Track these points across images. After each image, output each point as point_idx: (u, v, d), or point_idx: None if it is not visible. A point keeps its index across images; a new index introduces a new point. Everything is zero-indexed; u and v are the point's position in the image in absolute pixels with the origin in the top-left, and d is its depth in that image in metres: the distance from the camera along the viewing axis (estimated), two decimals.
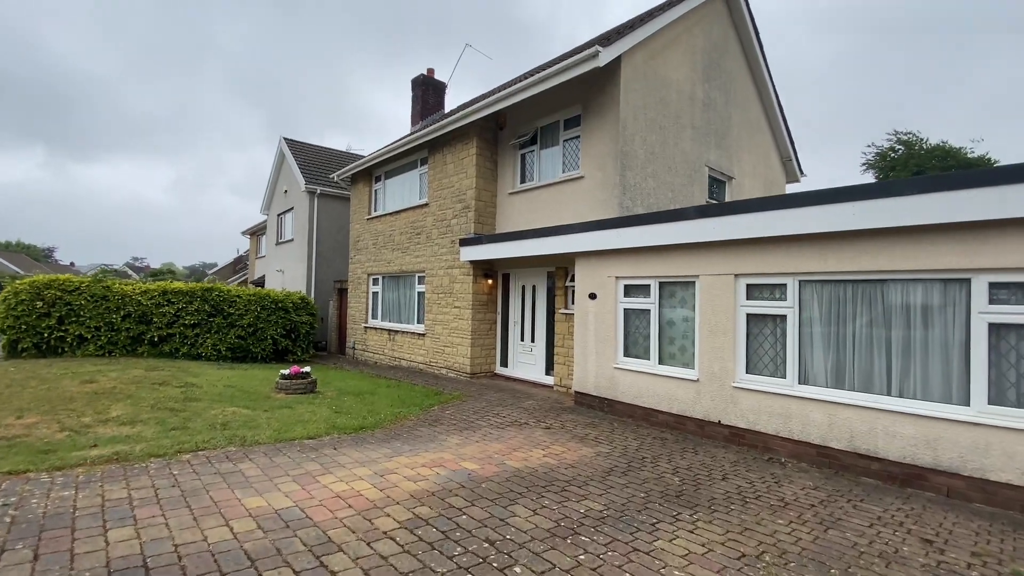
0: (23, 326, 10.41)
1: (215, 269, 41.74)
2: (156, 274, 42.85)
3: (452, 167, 11.07)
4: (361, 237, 14.44)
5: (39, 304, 10.54)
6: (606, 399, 7.46)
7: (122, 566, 2.75)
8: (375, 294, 13.97)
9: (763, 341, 5.87)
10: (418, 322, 12.14)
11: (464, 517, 3.57)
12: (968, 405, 4.46)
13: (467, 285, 10.45)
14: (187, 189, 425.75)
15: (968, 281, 4.51)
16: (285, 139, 18.96)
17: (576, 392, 7.95)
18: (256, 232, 25.91)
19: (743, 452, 5.64)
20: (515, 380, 10.17)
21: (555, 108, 9.37)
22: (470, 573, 2.84)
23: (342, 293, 16.47)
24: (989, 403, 4.35)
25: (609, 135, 8.41)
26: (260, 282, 22.18)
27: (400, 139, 12.81)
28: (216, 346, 11.84)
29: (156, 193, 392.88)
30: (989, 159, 22.66)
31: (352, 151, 21.52)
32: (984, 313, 4.40)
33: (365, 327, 14.10)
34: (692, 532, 3.51)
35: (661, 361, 6.88)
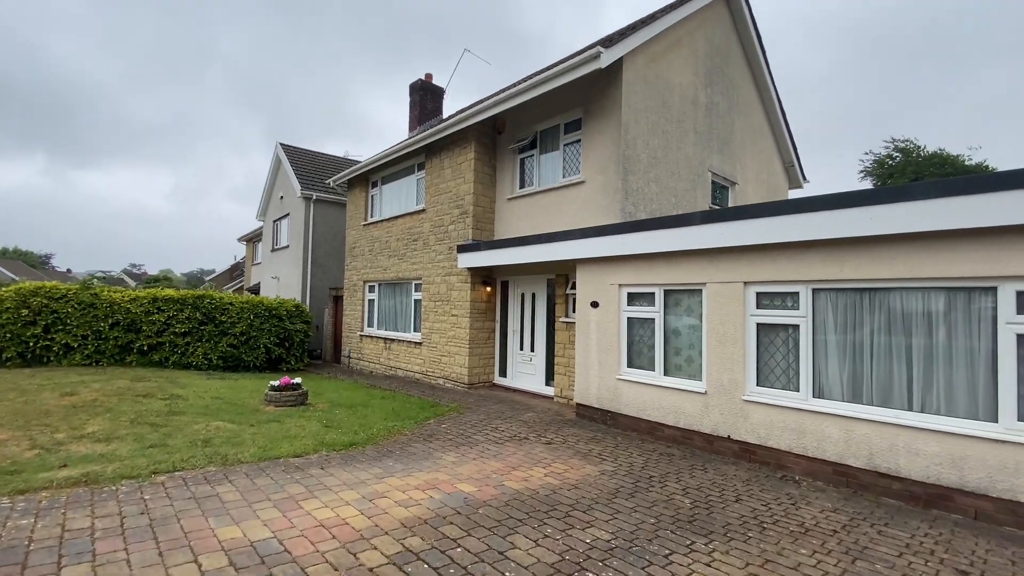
0: (7, 335, 10.11)
1: (212, 276, 41.45)
2: (152, 281, 42.52)
3: (450, 172, 10.83)
4: (357, 243, 14.17)
5: (24, 312, 10.24)
6: (609, 411, 7.16)
7: None
8: (371, 301, 13.67)
9: (774, 352, 5.59)
10: (415, 330, 11.84)
11: (459, 550, 3.27)
12: (996, 421, 4.18)
13: (465, 293, 10.16)
14: (186, 196, 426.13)
15: (994, 289, 4.25)
16: (281, 144, 18.76)
17: (578, 404, 7.65)
18: (252, 239, 25.64)
19: (755, 469, 5.34)
20: (514, 391, 9.86)
21: (555, 111, 9.14)
22: None
23: (338, 300, 16.16)
24: (1019, 419, 4.08)
25: (611, 138, 8.17)
26: (256, 289, 21.86)
27: (397, 144, 12.58)
28: (207, 355, 11.53)
29: (155, 200, 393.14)
30: (987, 166, 22.52)
31: (350, 157, 21.30)
32: (1012, 323, 4.14)
33: (361, 335, 13.78)
34: (709, 565, 3.21)
35: (667, 372, 6.60)
